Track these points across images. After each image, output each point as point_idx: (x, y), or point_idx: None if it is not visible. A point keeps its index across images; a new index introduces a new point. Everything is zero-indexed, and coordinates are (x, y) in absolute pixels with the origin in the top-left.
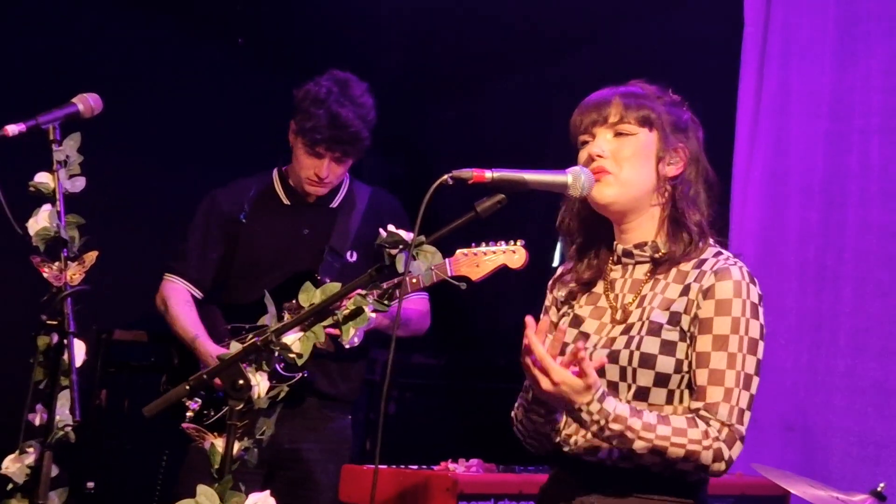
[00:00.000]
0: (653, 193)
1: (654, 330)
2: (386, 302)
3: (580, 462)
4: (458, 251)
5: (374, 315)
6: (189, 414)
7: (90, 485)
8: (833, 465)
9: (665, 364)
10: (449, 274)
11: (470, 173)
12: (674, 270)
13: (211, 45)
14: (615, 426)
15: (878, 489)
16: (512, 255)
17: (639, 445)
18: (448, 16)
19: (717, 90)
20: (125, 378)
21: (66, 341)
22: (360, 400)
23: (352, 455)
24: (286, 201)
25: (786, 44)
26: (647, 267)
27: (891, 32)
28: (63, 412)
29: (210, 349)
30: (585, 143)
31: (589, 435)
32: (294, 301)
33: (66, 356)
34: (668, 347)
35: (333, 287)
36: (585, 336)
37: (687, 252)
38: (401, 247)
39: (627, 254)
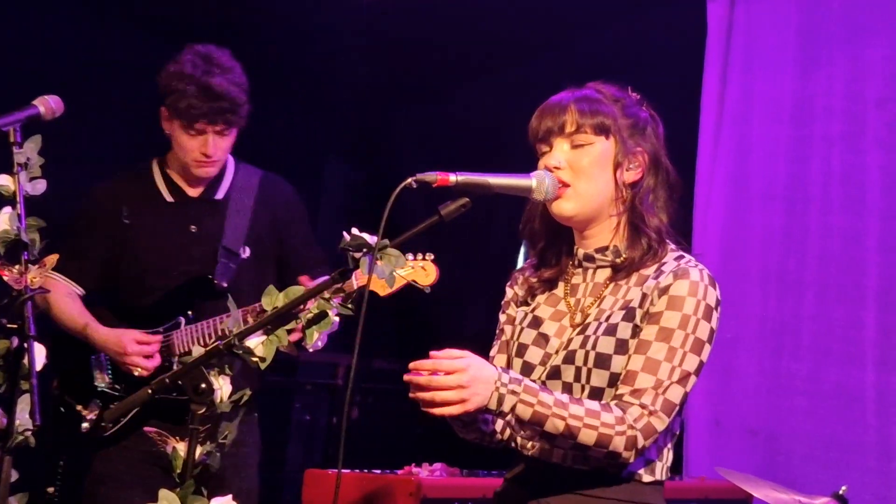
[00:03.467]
0: (613, 201)
1: (610, 330)
2: (350, 305)
3: (537, 464)
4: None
5: (337, 319)
6: (85, 425)
7: (50, 490)
8: (796, 468)
9: (619, 364)
10: (354, 286)
11: (434, 176)
12: (635, 275)
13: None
14: (528, 397)
15: (840, 492)
16: (422, 271)
17: (552, 424)
18: (410, 21)
19: (681, 96)
20: None
21: (26, 345)
22: (321, 404)
23: (260, 451)
24: (169, 198)
25: (748, 51)
26: (608, 271)
27: (852, 40)
28: (23, 416)
29: (103, 333)
30: (544, 152)
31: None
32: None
33: (26, 360)
34: (622, 347)
35: (297, 290)
36: (546, 338)
37: (645, 258)
38: (364, 250)
39: (588, 258)
